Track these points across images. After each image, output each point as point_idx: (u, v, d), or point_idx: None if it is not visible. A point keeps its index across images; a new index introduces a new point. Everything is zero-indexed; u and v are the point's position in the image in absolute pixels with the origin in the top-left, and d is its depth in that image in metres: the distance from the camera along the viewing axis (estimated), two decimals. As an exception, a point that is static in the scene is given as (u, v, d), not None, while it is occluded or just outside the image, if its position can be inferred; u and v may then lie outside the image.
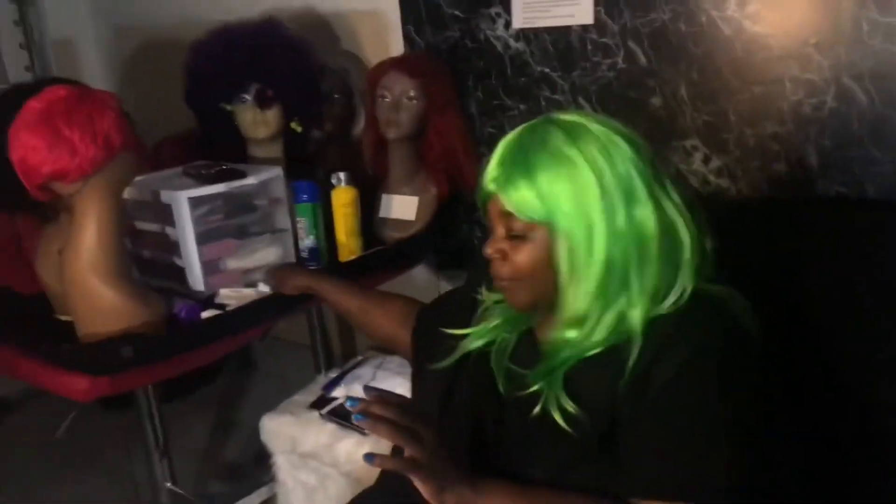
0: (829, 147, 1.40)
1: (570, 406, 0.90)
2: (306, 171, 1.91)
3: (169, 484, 1.86)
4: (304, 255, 1.76)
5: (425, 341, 1.23)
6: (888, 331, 1.13)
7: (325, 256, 1.78)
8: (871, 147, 1.36)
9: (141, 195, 1.61)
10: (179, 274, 1.64)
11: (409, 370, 1.69)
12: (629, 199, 0.90)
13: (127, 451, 2.07)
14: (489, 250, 0.97)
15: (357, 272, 1.80)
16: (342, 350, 2.38)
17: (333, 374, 1.83)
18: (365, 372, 1.76)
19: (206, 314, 1.53)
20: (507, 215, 0.93)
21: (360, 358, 1.88)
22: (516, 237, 0.94)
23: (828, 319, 1.17)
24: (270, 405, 1.84)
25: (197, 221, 1.58)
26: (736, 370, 0.89)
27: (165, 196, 1.58)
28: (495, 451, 0.99)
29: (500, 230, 0.96)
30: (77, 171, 1.32)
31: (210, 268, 1.63)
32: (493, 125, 1.85)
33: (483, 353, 1.06)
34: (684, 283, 0.91)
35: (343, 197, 1.76)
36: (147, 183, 1.61)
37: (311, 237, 1.75)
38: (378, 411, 0.84)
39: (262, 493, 1.89)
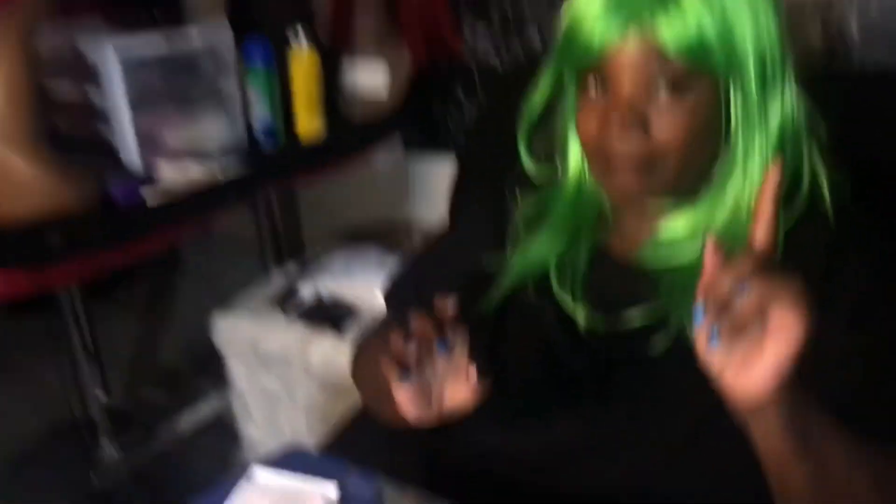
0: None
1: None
2: (254, 25, 1.62)
3: (101, 395, 1.64)
4: (257, 130, 1.51)
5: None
6: None
7: (281, 134, 1.53)
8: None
9: (55, 51, 1.33)
10: (108, 149, 1.38)
11: (389, 263, 1.51)
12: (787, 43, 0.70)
13: (45, 359, 1.81)
14: (620, 121, 0.68)
15: (321, 155, 1.60)
16: (287, 245, 2.16)
17: (295, 269, 1.61)
18: (336, 265, 1.56)
19: (147, 196, 1.27)
20: (659, 64, 0.66)
21: (323, 249, 1.66)
22: (665, 94, 0.67)
23: None
24: (207, 306, 1.64)
25: (130, 83, 1.31)
26: None
27: (89, 51, 1.31)
28: (585, 403, 0.77)
29: (630, 87, 0.68)
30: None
31: (146, 141, 1.37)
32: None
33: (537, 283, 0.80)
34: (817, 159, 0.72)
35: (303, 61, 1.50)
36: (63, 36, 1.32)
37: (265, 109, 1.50)
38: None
39: (212, 404, 1.71)
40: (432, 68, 1.68)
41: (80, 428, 1.71)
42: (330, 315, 1.47)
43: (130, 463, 1.62)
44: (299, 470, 0.72)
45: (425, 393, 0.65)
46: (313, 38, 1.50)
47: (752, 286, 0.51)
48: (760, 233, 0.57)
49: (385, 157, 1.89)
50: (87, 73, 1.33)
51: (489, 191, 0.92)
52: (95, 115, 1.37)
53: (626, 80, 0.67)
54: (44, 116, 1.30)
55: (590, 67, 0.69)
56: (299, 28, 1.48)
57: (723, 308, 0.53)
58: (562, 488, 0.76)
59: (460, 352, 0.65)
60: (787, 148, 0.70)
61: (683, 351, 0.64)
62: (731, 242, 0.65)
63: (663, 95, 0.67)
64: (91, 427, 1.68)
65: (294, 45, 1.49)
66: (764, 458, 0.60)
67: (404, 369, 0.63)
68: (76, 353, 1.62)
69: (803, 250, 0.67)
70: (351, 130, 1.62)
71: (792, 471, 0.59)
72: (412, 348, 0.64)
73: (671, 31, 0.64)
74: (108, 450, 1.68)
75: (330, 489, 0.70)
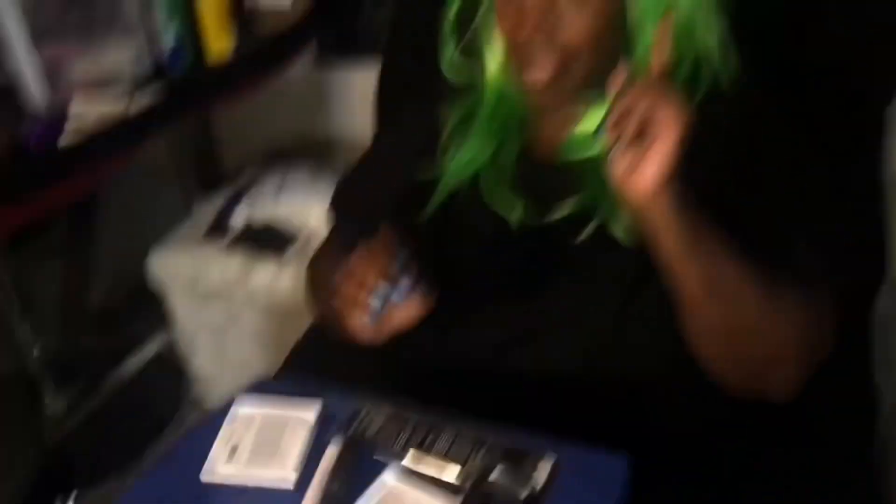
0: None
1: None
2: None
3: (36, 349, 1.58)
4: (164, 54, 1.43)
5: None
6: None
7: (189, 57, 1.45)
8: None
9: None
10: (7, 87, 1.27)
11: (320, 184, 1.48)
12: None
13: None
14: (531, 21, 0.72)
15: (235, 75, 1.52)
16: (203, 174, 2.08)
17: (223, 199, 1.56)
18: (265, 190, 1.52)
19: (61, 139, 1.20)
20: None
21: (250, 174, 1.61)
22: None
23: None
24: (132, 244, 1.63)
25: (27, 13, 1.22)
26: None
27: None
28: (532, 297, 0.81)
29: None
30: None
31: (51, 77, 1.29)
32: None
33: (469, 187, 0.85)
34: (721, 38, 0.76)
35: (207, -28, 1.41)
36: None
37: (171, 31, 1.41)
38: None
39: (156, 342, 1.68)
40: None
41: (20, 384, 1.66)
42: (268, 240, 1.45)
43: (78, 412, 1.58)
44: (274, 400, 0.72)
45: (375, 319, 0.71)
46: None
47: (643, 100, 0.61)
48: (657, 59, 0.65)
49: (298, 70, 1.83)
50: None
51: (415, 96, 0.95)
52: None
53: None
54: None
55: None
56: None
57: (621, 119, 0.61)
58: (509, 374, 0.81)
59: (406, 275, 0.71)
60: (693, 35, 0.73)
61: (607, 237, 0.74)
62: None
63: None
64: (31, 382, 1.63)
65: (196, -40, 1.40)
66: (663, 260, 0.66)
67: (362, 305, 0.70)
68: (5, 308, 1.55)
69: (708, 126, 0.71)
70: (262, 45, 1.55)
71: (686, 270, 0.66)
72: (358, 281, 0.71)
73: None
74: (54, 403, 1.63)
75: (309, 413, 0.70)
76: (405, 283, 0.70)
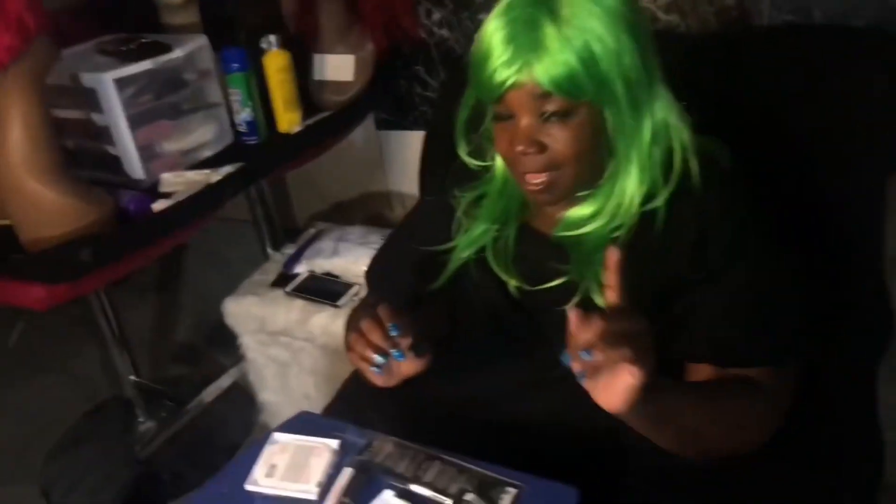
0: (779, -25, 1.39)
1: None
2: (227, 35, 1.76)
3: (133, 376, 1.83)
4: (242, 128, 1.67)
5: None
6: (835, 152, 1.16)
7: (263, 129, 1.69)
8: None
9: (56, 79, 1.43)
10: (113, 163, 1.53)
11: (370, 240, 1.69)
12: (655, 62, 0.86)
13: (73, 348, 2.00)
14: (521, 146, 0.84)
15: (302, 144, 1.74)
16: (280, 223, 2.32)
17: (289, 251, 1.78)
18: (325, 245, 1.72)
19: (155, 206, 1.43)
20: (543, 98, 0.82)
21: (313, 231, 1.83)
22: (555, 120, 0.83)
23: (785, 149, 1.18)
24: (213, 285, 1.81)
25: (126, 104, 1.45)
26: (769, 229, 0.91)
27: (88, 79, 1.44)
28: (521, 350, 0.97)
29: (526, 119, 0.84)
30: (-8, 62, 1.17)
31: (147, 153, 1.52)
32: (428, -30, 1.74)
33: (478, 259, 0.99)
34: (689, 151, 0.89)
35: (276, 62, 1.64)
36: (61, 66, 1.43)
37: (247, 109, 1.64)
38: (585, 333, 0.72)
39: (231, 374, 1.89)
40: (394, 52, 1.80)
41: (118, 406, 1.89)
42: (324, 290, 1.64)
43: (166, 432, 1.79)
44: (309, 431, 0.92)
45: (386, 369, 0.87)
46: (283, 41, 1.64)
47: (602, 344, 0.70)
48: (611, 297, 0.75)
49: (357, 136, 2.05)
50: (89, 99, 1.46)
51: (439, 181, 1.08)
52: (99, 134, 1.50)
53: (523, 114, 0.84)
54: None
55: (496, 100, 0.85)
56: (269, 35, 1.63)
57: (584, 353, 0.71)
58: (503, 421, 0.97)
59: (405, 338, 0.86)
60: (660, 143, 0.87)
61: (591, 305, 0.87)
62: (619, 225, 0.87)
63: (553, 122, 0.83)
64: (127, 404, 1.86)
65: (266, 48, 1.63)
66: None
67: (368, 361, 0.86)
68: (107, 340, 1.77)
69: (679, 218, 0.87)
70: (326, 118, 1.75)
71: (657, 438, 0.82)
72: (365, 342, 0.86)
73: (544, 73, 0.80)
74: (145, 423, 1.86)
75: (333, 442, 0.90)
76: (404, 343, 0.86)
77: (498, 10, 0.84)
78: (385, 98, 1.92)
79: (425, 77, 1.88)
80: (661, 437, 0.83)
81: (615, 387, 0.71)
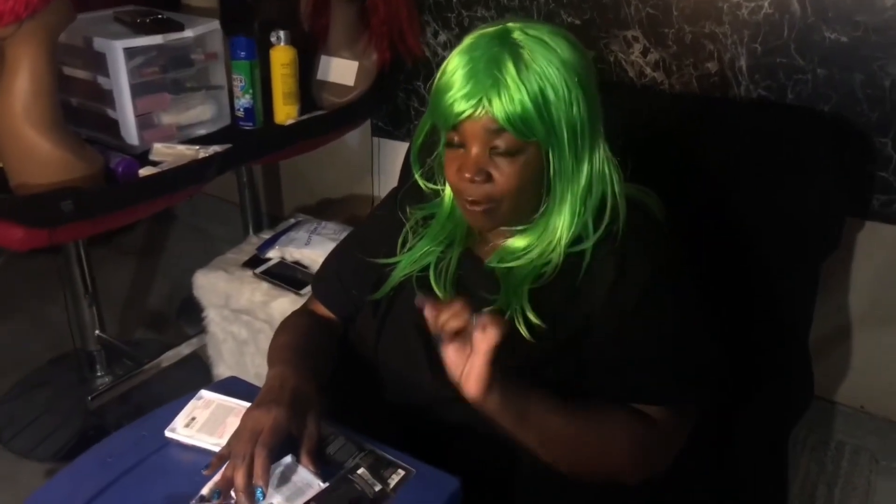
0: (758, 51, 1.48)
1: (535, 319, 0.92)
2: (242, 24, 1.86)
3: (98, 331, 1.90)
4: (240, 113, 1.75)
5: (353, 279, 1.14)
6: (791, 229, 1.24)
7: (260, 117, 1.77)
8: (797, 56, 1.44)
9: (70, 40, 1.54)
10: (111, 126, 1.62)
11: (343, 235, 1.76)
12: (599, 116, 0.93)
13: (49, 296, 2.07)
14: (469, 174, 0.90)
15: (294, 137, 1.82)
16: (267, 210, 2.40)
17: (266, 236, 1.86)
18: (299, 235, 1.79)
19: (143, 171, 1.52)
20: (495, 133, 0.88)
21: (292, 221, 1.90)
22: (503, 155, 0.89)
23: (733, 213, 1.25)
24: (193, 258, 1.86)
25: (132, 73, 1.54)
26: (687, 278, 0.98)
27: (99, 44, 1.53)
28: (445, 371, 0.98)
29: (476, 149, 0.90)
30: (10, 13, 1.26)
31: (144, 122, 1.61)
32: (438, -6, 1.83)
33: (420, 276, 1.03)
34: (619, 200, 0.96)
35: (282, 56, 1.73)
36: (77, 28, 1.52)
37: (248, 96, 1.73)
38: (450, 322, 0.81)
39: (191, 344, 1.95)
40: (397, 65, 1.89)
41: (79, 358, 1.95)
42: (290, 277, 1.71)
43: (119, 387, 1.85)
44: (235, 394, 0.99)
45: None
46: (293, 37, 1.73)
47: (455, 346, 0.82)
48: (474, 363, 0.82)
49: (352, 140, 2.13)
50: (98, 62, 1.55)
51: (392, 197, 1.14)
52: (102, 97, 1.60)
53: (475, 144, 0.90)
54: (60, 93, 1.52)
55: (450, 131, 0.92)
56: (280, 30, 1.72)
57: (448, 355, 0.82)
58: (437, 427, 1.01)
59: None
60: (594, 191, 0.95)
61: (517, 331, 0.93)
62: (547, 262, 0.95)
63: (501, 156, 0.90)
64: (88, 357, 1.93)
65: (275, 42, 1.72)
66: (499, 426, 0.87)
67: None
68: (77, 292, 1.84)
69: (602, 263, 0.95)
70: (320, 116, 1.84)
71: (519, 436, 0.88)
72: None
73: (502, 110, 0.87)
74: (102, 377, 1.93)
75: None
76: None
77: (463, 46, 0.91)
78: (381, 107, 2.01)
79: (424, 93, 1.96)
80: (527, 438, 0.88)
81: (469, 377, 0.81)
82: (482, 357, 0.80)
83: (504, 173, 0.90)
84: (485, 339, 0.80)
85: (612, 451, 0.92)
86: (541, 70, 0.87)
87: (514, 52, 0.88)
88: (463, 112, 0.88)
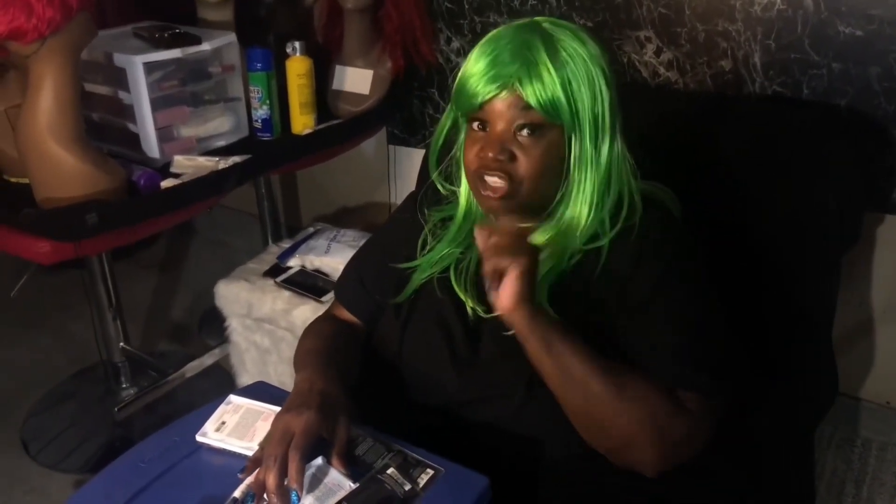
0: (772, 48, 1.48)
1: (554, 316, 0.92)
2: (257, 36, 1.88)
3: (122, 343, 1.92)
4: (257, 124, 1.77)
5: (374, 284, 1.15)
6: (810, 224, 1.24)
7: (277, 127, 1.79)
8: (812, 51, 1.44)
9: (91, 56, 1.57)
10: (132, 140, 1.64)
11: (362, 242, 1.77)
12: (618, 113, 0.96)
13: (73, 311, 2.09)
14: (492, 152, 0.92)
15: (311, 146, 1.84)
16: (286, 220, 2.43)
17: (286, 245, 1.87)
18: (319, 243, 1.81)
19: (164, 183, 1.54)
20: (523, 110, 0.91)
21: (311, 229, 1.92)
22: (529, 134, 0.92)
23: (751, 210, 1.25)
24: (214, 270, 1.87)
25: (152, 87, 1.57)
26: (704, 274, 0.99)
27: (119, 59, 1.55)
28: (469, 371, 1.01)
29: (501, 126, 0.92)
30: (34, 31, 1.28)
31: (164, 135, 1.64)
32: (450, 0, 1.85)
33: (441, 277, 1.04)
34: (635, 196, 0.98)
35: (298, 67, 1.75)
36: (98, 44, 1.55)
37: (265, 107, 1.75)
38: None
39: (214, 354, 1.97)
40: (411, 73, 1.90)
41: (105, 370, 1.97)
42: (311, 285, 1.72)
43: (144, 399, 1.87)
44: (263, 399, 1.00)
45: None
46: (308, 48, 1.75)
47: (497, 259, 0.86)
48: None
49: (368, 148, 2.15)
50: (118, 77, 1.57)
51: (412, 200, 1.15)
52: (123, 112, 1.62)
53: (500, 121, 0.92)
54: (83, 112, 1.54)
55: (474, 113, 0.94)
56: (295, 41, 1.74)
57: (488, 267, 0.87)
58: (454, 429, 1.02)
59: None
60: (612, 181, 0.96)
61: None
62: (565, 258, 0.96)
63: (525, 135, 0.92)
64: (114, 369, 1.95)
65: (291, 53, 1.74)
66: (526, 352, 0.90)
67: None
68: (102, 306, 1.86)
69: (618, 259, 0.95)
70: (337, 125, 1.86)
71: (542, 364, 0.90)
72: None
73: (531, 89, 0.89)
74: (127, 389, 1.95)
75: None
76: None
77: (488, 37, 0.95)
78: (396, 115, 2.02)
79: (438, 100, 1.98)
80: (550, 374, 0.90)
81: (504, 288, 0.86)
82: (515, 271, 0.85)
83: (529, 154, 0.92)
84: (519, 262, 0.85)
85: (629, 417, 0.90)
86: (570, 57, 0.91)
87: (546, 38, 0.92)
88: (490, 91, 0.91)
